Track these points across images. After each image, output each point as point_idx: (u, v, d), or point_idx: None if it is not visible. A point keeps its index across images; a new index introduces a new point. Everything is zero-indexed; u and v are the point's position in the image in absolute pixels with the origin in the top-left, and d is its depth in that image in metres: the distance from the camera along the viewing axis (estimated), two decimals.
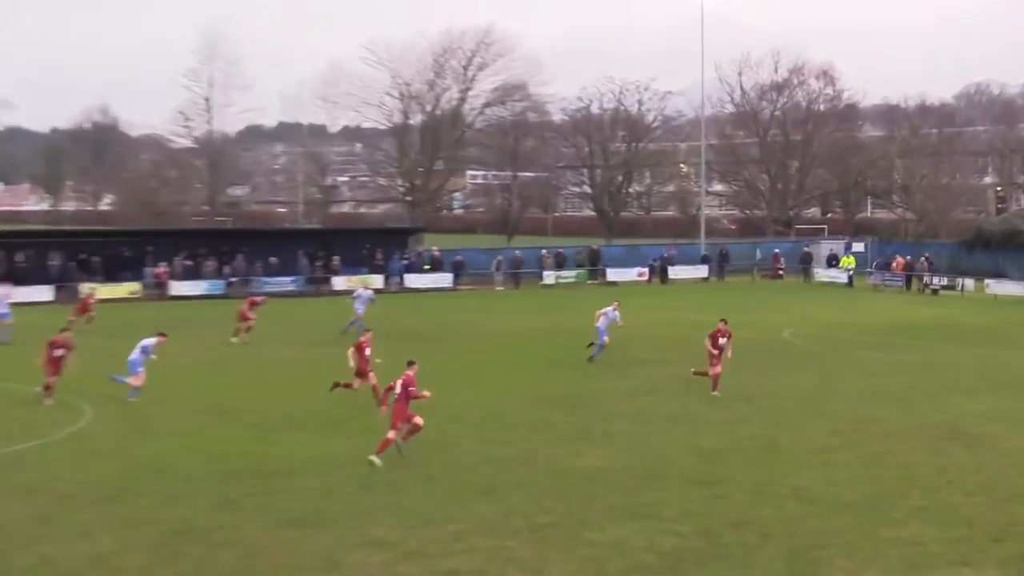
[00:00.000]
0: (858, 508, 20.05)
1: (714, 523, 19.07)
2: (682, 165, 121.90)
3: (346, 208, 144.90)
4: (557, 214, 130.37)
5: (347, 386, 30.46)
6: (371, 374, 30.19)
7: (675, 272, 79.52)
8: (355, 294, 48.74)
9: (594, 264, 78.88)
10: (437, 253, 76.79)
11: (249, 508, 20.10)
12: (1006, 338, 46.56)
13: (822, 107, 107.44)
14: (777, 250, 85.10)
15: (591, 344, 38.43)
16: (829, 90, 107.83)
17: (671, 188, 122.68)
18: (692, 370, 33.19)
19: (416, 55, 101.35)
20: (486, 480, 22.11)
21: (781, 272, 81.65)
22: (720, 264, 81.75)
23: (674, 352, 39.63)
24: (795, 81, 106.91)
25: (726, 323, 33.24)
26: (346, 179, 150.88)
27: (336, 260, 71.36)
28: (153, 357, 31.77)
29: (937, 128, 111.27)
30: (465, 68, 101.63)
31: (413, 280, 71.88)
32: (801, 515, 19.62)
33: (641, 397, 31.58)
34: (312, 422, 28.02)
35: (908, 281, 73.54)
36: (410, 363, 24.26)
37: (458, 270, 74.19)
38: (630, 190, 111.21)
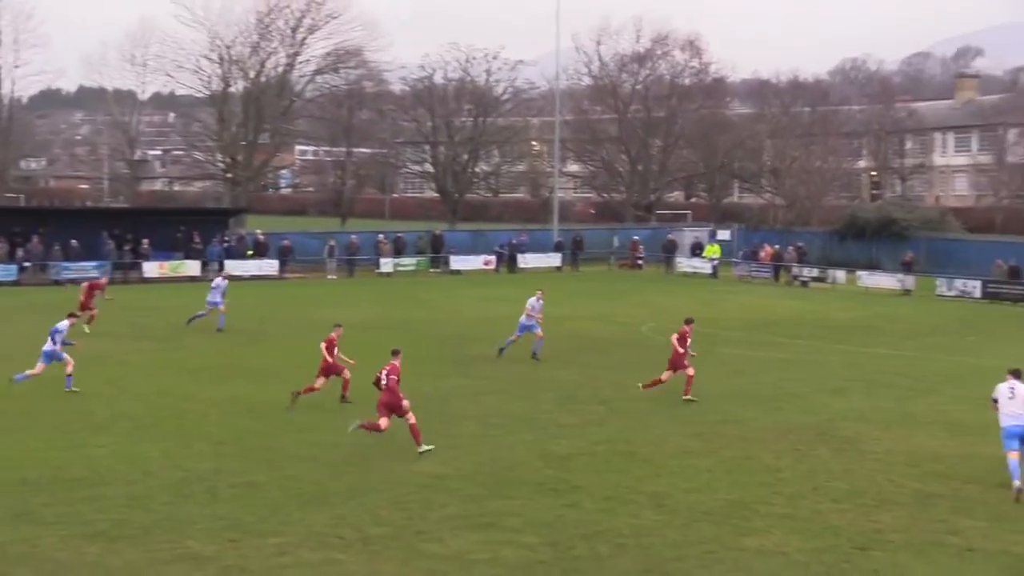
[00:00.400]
0: (719, 516, 20.56)
1: (564, 534, 19.38)
2: (534, 143, 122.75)
3: (158, 185, 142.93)
4: (396, 195, 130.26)
5: (309, 391, 29.99)
6: (345, 371, 30.52)
7: (525, 260, 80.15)
8: (213, 284, 47.17)
9: (436, 251, 79.04)
10: (262, 237, 76.07)
11: (47, 520, 19.82)
12: (878, 334, 48.02)
13: (687, 81, 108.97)
14: (636, 237, 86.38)
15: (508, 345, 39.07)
16: (695, 63, 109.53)
17: (522, 168, 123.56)
18: (640, 384, 32.67)
19: (238, 14, 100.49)
20: (314, 487, 22.15)
21: (640, 261, 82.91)
22: (574, 252, 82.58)
23: (523, 349, 39.99)
24: (658, 52, 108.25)
25: (692, 323, 33.34)
26: (158, 153, 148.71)
27: (146, 244, 70.26)
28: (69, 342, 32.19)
29: (810, 106, 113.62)
30: (293, 30, 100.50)
31: (234, 267, 70.48)
32: (658, 524, 20.05)
33: (486, 397, 31.86)
34: (119, 425, 27.70)
35: (776, 272, 75.29)
36: (395, 352, 25.80)
37: (285, 256, 73.72)
38: (476, 169, 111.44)
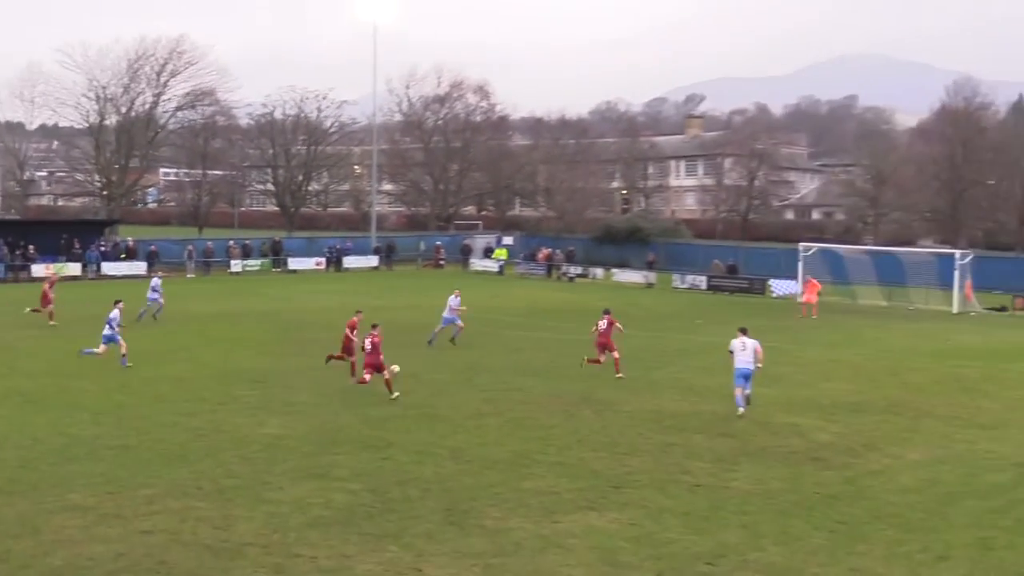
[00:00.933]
0: (505, 464, 20.69)
1: (382, 481, 19.30)
2: (356, 167, 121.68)
3: (45, 201, 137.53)
4: (243, 209, 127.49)
5: (340, 358, 31.14)
6: (355, 355, 30.34)
7: (349, 261, 79.66)
8: (153, 284, 45.45)
9: (277, 254, 78.17)
10: (132, 243, 74.63)
11: None
12: (629, 318, 48.71)
13: (478, 118, 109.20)
14: (439, 242, 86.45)
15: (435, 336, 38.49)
16: (484, 103, 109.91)
17: (346, 187, 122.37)
18: (585, 358, 32.24)
19: (112, 60, 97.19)
20: (177, 448, 21.64)
21: (442, 262, 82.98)
22: (388, 255, 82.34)
23: (342, 332, 39.57)
24: (455, 95, 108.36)
25: (610, 312, 33.17)
26: (44, 174, 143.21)
27: (33, 249, 68.09)
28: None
29: (574, 139, 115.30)
30: (158, 74, 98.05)
31: (110, 268, 69.74)
32: (457, 472, 20.09)
33: (318, 372, 31.48)
34: (10, 400, 26.64)
35: (549, 270, 76.10)
36: (374, 326, 28.18)
37: (152, 258, 71.94)
38: (309, 188, 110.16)
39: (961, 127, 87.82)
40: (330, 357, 31.56)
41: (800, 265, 59.40)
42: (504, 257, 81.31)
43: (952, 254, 58.74)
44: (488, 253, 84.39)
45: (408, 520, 17.10)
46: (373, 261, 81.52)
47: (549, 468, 20.48)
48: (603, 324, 32.70)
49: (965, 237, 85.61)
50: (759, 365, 26.40)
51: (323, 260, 78.80)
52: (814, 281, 53.86)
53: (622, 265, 78.65)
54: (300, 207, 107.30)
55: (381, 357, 27.46)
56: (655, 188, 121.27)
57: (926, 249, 72.17)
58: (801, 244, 63.75)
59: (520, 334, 42.01)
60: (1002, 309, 56.43)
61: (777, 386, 30.34)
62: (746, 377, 26.20)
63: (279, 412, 25.40)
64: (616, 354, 31.96)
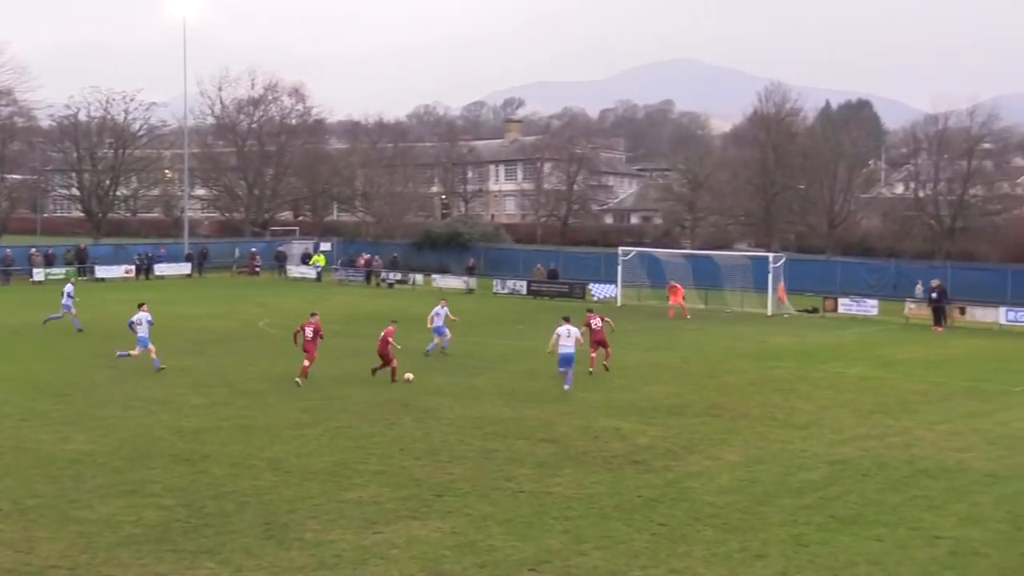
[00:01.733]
0: (325, 475, 20.49)
1: (197, 496, 18.88)
2: (167, 171, 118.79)
3: None
4: (47, 215, 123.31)
5: (383, 367, 32.44)
6: (394, 360, 32.24)
7: (160, 269, 77.65)
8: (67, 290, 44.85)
9: (83, 262, 75.53)
10: None
11: None
12: (449, 324, 48.88)
13: (294, 121, 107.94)
14: (253, 248, 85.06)
15: (436, 347, 38.79)
16: (300, 106, 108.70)
17: (156, 192, 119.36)
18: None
19: None
20: None
21: (258, 269, 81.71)
22: (201, 262, 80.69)
23: (158, 342, 38.66)
24: (270, 97, 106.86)
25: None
26: None
27: None
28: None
29: (392, 143, 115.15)
30: None
31: None
32: (275, 484, 19.81)
33: (129, 384, 30.66)
34: None
35: (368, 277, 75.71)
36: (313, 313, 32.77)
37: None
38: (117, 193, 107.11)
39: (772, 133, 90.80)
40: (375, 370, 32.48)
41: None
42: (322, 263, 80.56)
43: (766, 257, 60.74)
44: (305, 260, 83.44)
45: (225, 535, 16.76)
46: (186, 268, 79.67)
47: (370, 477, 20.37)
48: (597, 322, 34.11)
49: (778, 241, 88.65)
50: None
51: (132, 268, 76.62)
52: (678, 286, 55.62)
53: (442, 271, 78.83)
54: (107, 213, 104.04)
55: (391, 350, 31.67)
56: (475, 193, 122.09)
57: (741, 253, 74.42)
58: (620, 248, 65.06)
59: (339, 342, 41.61)
60: (814, 311, 58.62)
61: (598, 390, 30.86)
62: (569, 361, 30.54)
63: (87, 426, 24.59)
64: (609, 348, 34.09)
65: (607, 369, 33.83)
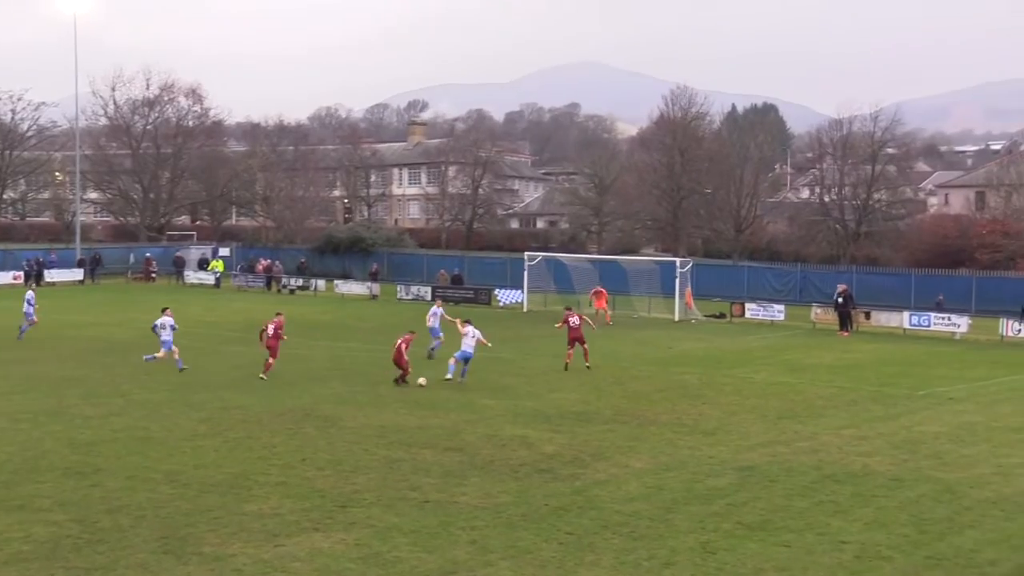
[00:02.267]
0: (225, 487, 20.25)
1: (90, 511, 18.53)
2: (57, 173, 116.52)
3: None
4: None
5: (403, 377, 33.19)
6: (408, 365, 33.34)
7: (51, 275, 76.05)
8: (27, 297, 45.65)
9: None
10: None
11: None
12: (353, 331, 48.78)
13: (191, 123, 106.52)
14: (148, 254, 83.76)
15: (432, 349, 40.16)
16: (197, 107, 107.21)
17: (46, 195, 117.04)
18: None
19: None
20: None
21: (154, 275, 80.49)
22: (94, 267, 79.27)
23: (49, 351, 38.00)
24: (166, 98, 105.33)
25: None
26: None
27: None
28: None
29: (293, 146, 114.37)
30: None
31: None
32: (173, 497, 19.52)
33: (18, 395, 30.01)
34: None
35: (269, 282, 75.02)
36: (278, 313, 35.58)
37: None
38: (4, 196, 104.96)
39: (679, 136, 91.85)
40: (397, 381, 33.04)
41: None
42: (220, 269, 79.63)
43: (673, 262, 61.36)
44: (203, 265, 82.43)
45: (120, 551, 16.48)
46: (78, 274, 78.19)
47: (271, 489, 20.17)
48: (575, 320, 36.85)
49: (685, 245, 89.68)
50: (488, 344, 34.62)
51: (21, 274, 74.93)
52: (603, 290, 56.20)
53: (345, 276, 78.42)
54: None
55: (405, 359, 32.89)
56: (378, 197, 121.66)
57: (648, 257, 75.13)
58: (526, 253, 65.28)
59: (239, 349, 41.19)
60: (721, 316, 59.35)
61: (504, 397, 30.94)
62: (466, 360, 33.45)
63: None
64: (586, 345, 36.73)
65: (588, 367, 36.45)
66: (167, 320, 35.64)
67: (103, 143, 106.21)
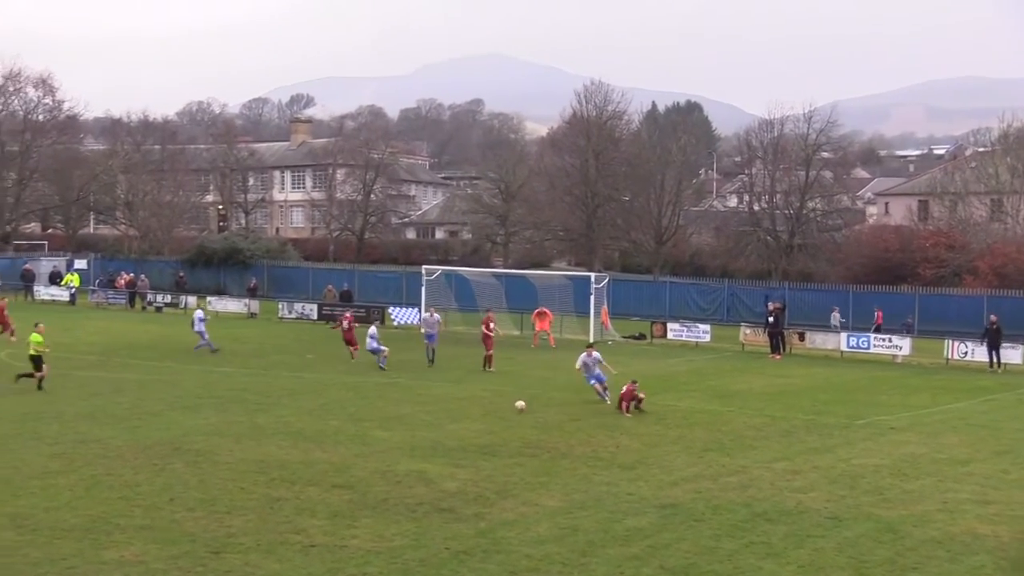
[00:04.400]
0: (80, 532, 19.90)
1: None
2: None
3: None
4: None
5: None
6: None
7: None
8: None
9: None
10: None
11: None
12: (228, 354, 48.31)
13: (41, 117, 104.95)
14: None
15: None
16: (48, 99, 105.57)
17: None
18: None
19: None
20: None
21: None
22: None
23: None
24: (11, 88, 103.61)
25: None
26: None
27: None
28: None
29: (160, 144, 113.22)
30: None
31: None
32: (19, 544, 19.12)
33: None
34: None
35: (132, 299, 74.07)
36: (347, 309, 40.76)
37: None
38: None
39: (593, 138, 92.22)
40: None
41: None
42: (76, 283, 78.43)
43: (587, 277, 61.67)
44: (56, 279, 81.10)
45: None
46: None
47: (135, 533, 19.87)
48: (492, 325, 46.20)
49: (601, 258, 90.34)
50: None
51: None
52: (547, 311, 57.05)
53: (219, 292, 77.77)
54: None
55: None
56: (257, 203, 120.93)
57: (560, 272, 75.50)
58: (424, 267, 65.23)
59: (96, 375, 40.60)
60: (640, 337, 59.87)
61: (399, 428, 30.85)
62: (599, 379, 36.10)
63: None
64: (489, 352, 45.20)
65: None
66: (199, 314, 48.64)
67: None
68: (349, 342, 47.17)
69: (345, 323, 47.92)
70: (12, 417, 31.34)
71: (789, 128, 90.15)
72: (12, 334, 49.14)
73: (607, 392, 35.67)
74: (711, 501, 23.23)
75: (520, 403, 33.55)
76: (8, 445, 27.50)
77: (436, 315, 48.52)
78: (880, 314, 61.08)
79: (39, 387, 36.32)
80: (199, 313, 50.86)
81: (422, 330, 47.08)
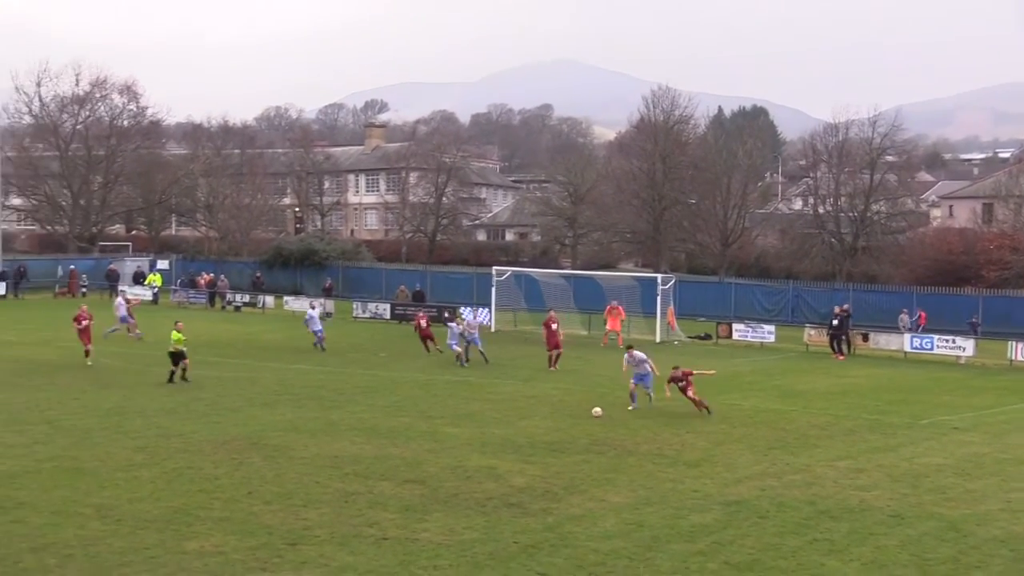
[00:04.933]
0: (162, 523, 20.14)
1: (11, 549, 18.38)
2: None
3: None
4: None
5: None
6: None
7: None
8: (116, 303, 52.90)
9: None
10: None
11: None
12: (305, 352, 48.63)
13: (126, 123, 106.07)
14: (73, 267, 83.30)
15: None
16: (133, 106, 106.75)
17: None
18: None
19: None
20: None
21: (84, 289, 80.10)
22: (17, 281, 78.77)
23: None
24: (98, 95, 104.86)
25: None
26: None
27: None
28: None
29: (239, 149, 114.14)
30: None
31: None
32: (104, 534, 19.40)
33: None
34: None
35: (212, 298, 74.75)
36: (420, 307, 43.70)
37: None
38: None
39: (660, 142, 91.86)
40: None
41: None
42: (158, 284, 79.25)
43: (654, 278, 61.48)
44: (139, 279, 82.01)
45: None
46: None
47: (214, 525, 20.09)
48: (554, 326, 45.87)
49: (667, 260, 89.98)
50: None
51: None
52: (619, 307, 56.21)
53: (296, 292, 78.23)
54: None
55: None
56: (332, 205, 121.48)
57: (627, 273, 75.29)
58: (494, 268, 65.28)
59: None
60: (706, 337, 59.57)
61: (469, 425, 30.93)
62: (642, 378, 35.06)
63: None
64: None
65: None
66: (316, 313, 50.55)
67: (28, 144, 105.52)
68: (426, 338, 48.64)
69: (423, 322, 49.43)
70: (98, 412, 31.78)
71: (854, 132, 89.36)
72: (132, 330, 52.29)
73: (639, 398, 34.75)
74: (775, 498, 23.11)
75: (597, 410, 33.38)
76: (94, 439, 27.90)
77: (477, 318, 51.46)
78: (924, 315, 60.46)
79: (183, 378, 37.65)
80: (314, 311, 51.95)
81: (464, 333, 46.41)
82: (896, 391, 41.60)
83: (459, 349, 45.45)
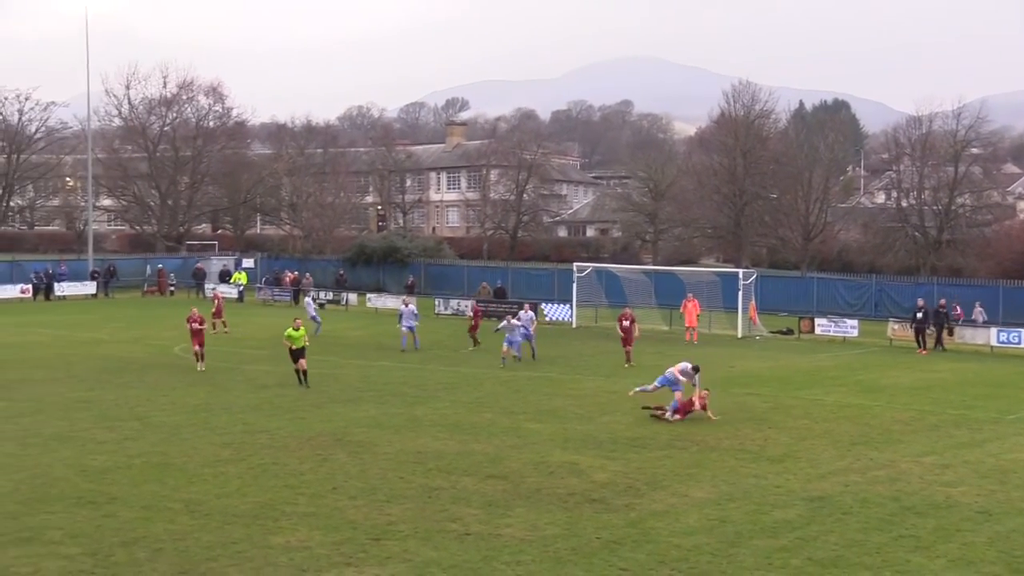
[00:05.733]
0: (249, 518, 20.32)
1: (103, 543, 18.64)
2: (68, 179, 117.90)
3: None
4: None
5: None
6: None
7: (62, 288, 76.94)
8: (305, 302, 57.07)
9: None
10: None
11: None
12: (386, 349, 48.89)
13: (212, 124, 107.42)
14: (161, 265, 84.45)
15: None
16: (218, 107, 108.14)
17: (56, 202, 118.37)
18: None
19: None
20: None
21: (172, 288, 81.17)
22: (108, 280, 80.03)
23: (58, 371, 38.34)
24: (184, 97, 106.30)
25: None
26: None
27: None
28: None
29: (322, 148, 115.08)
30: None
31: None
32: (193, 528, 19.61)
33: (26, 418, 30.27)
34: None
35: (296, 296, 75.38)
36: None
37: None
38: (12, 204, 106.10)
39: (741, 137, 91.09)
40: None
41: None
42: (244, 282, 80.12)
43: (735, 273, 61.05)
44: (225, 277, 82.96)
45: None
46: (90, 287, 79.06)
47: (300, 520, 20.23)
48: (626, 323, 44.99)
49: (748, 255, 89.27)
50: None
51: (29, 287, 75.84)
52: (694, 300, 55.98)
53: (378, 289, 78.68)
54: (0, 226, 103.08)
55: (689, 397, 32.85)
56: (414, 203, 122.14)
57: (708, 268, 74.83)
58: (575, 264, 65.19)
59: (263, 368, 41.42)
60: (788, 332, 59.02)
61: (551, 421, 30.88)
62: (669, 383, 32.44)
63: None
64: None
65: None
66: (408, 310, 48.78)
67: (117, 146, 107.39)
68: (475, 328, 50.06)
69: (477, 316, 50.98)
70: (185, 409, 32.16)
71: (937, 124, 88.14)
72: (225, 325, 54.51)
73: (672, 412, 32.07)
74: (859, 494, 22.83)
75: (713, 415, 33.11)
76: (182, 435, 28.22)
77: (529, 312, 49.90)
78: (959, 309, 59.39)
79: (301, 380, 37.03)
80: (409, 308, 50.22)
81: (521, 328, 45.21)
82: (982, 386, 40.93)
83: (514, 351, 44.24)
